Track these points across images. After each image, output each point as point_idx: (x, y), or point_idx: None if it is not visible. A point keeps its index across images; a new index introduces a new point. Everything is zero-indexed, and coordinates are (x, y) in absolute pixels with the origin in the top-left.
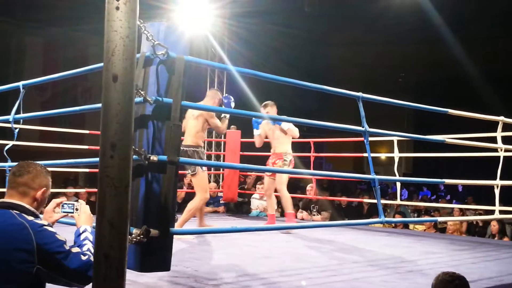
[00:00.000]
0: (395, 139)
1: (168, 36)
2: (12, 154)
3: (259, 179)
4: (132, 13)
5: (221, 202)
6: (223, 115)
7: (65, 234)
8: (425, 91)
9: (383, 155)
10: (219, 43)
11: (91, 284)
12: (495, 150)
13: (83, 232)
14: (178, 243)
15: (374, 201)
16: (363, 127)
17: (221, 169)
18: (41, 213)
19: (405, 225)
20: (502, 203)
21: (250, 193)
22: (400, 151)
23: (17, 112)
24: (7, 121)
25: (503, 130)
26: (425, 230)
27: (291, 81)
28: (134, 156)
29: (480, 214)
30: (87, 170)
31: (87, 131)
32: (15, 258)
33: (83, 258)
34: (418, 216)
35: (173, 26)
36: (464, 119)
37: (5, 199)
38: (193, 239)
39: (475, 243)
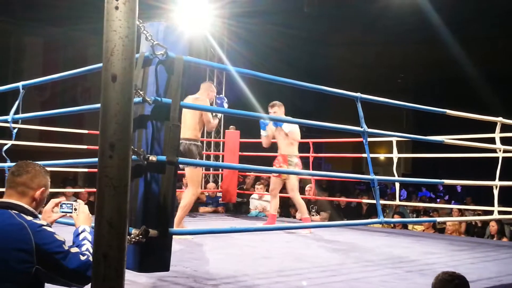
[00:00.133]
0: (394, 139)
1: (167, 36)
2: (11, 154)
3: (258, 179)
4: (131, 13)
5: (220, 202)
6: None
7: (64, 234)
8: (424, 91)
9: (382, 156)
10: (219, 43)
11: (90, 284)
12: (494, 150)
13: (82, 232)
14: (177, 243)
15: (373, 201)
16: (362, 127)
17: (220, 169)
18: (40, 213)
19: (404, 226)
20: (501, 203)
21: (249, 193)
22: (399, 152)
23: (16, 112)
24: (6, 121)
25: (502, 130)
26: (424, 230)
27: (290, 81)
28: (133, 156)
29: (479, 215)
30: (86, 170)
31: (86, 131)
32: (14, 258)
33: (82, 258)
34: (417, 217)
35: (172, 26)
36: (463, 120)
37: (4, 199)
38: (192, 239)
39: (474, 244)
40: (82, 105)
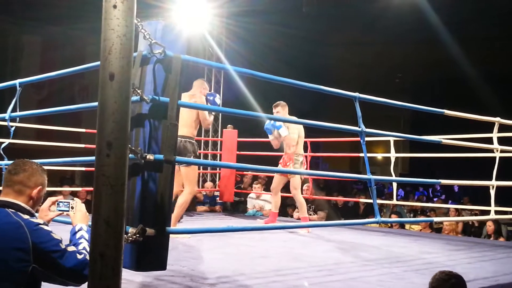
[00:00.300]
0: (391, 139)
1: (165, 35)
2: (8, 153)
3: (255, 178)
4: (129, 11)
5: (217, 201)
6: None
7: (61, 233)
8: (423, 91)
9: (379, 155)
10: (217, 42)
11: (86, 283)
12: (491, 151)
13: (78, 230)
14: (174, 242)
15: (370, 201)
16: (359, 127)
17: (218, 168)
18: (37, 211)
19: (401, 225)
20: (497, 203)
21: (247, 192)
22: (396, 151)
23: (14, 110)
24: (3, 119)
25: (499, 131)
26: (421, 230)
27: (288, 81)
28: (130, 155)
29: (476, 215)
30: (83, 168)
31: (83, 130)
32: (10, 257)
33: (79, 257)
34: (414, 216)
35: (171, 25)
36: (461, 120)
37: (1, 198)
38: (190, 238)
39: (471, 243)
40: (80, 104)
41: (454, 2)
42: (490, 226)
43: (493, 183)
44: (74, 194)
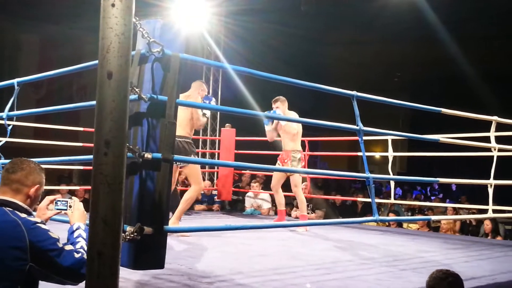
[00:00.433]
0: (389, 138)
1: (163, 33)
2: (6, 151)
3: (253, 177)
4: (127, 10)
5: (215, 200)
6: (203, 111)
7: (59, 232)
8: (421, 90)
9: (377, 154)
10: (215, 41)
11: (84, 282)
12: (489, 149)
13: (76, 229)
14: (172, 241)
15: (368, 199)
16: (357, 126)
17: (216, 167)
18: (35, 210)
19: (399, 224)
20: (495, 202)
21: (245, 191)
22: (394, 150)
23: (11, 109)
24: (0, 118)
25: (497, 129)
26: (418, 229)
27: (286, 79)
28: (128, 154)
29: (473, 213)
30: (81, 167)
31: (81, 129)
32: (7, 255)
33: (76, 255)
34: (412, 215)
35: (169, 23)
36: (459, 119)
37: None
38: (188, 236)
39: (469, 242)
40: (78, 103)
41: (452, 1)
42: (487, 225)
43: (491, 182)
44: (72, 193)
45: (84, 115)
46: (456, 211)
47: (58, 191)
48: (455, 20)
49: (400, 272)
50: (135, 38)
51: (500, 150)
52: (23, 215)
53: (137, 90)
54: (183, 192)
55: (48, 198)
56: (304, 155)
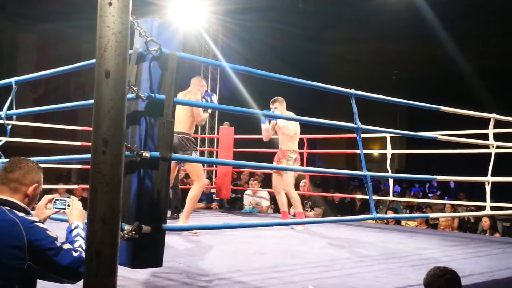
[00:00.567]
0: (387, 135)
1: (161, 32)
2: (4, 151)
3: (252, 175)
4: (125, 9)
5: (214, 198)
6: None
7: (57, 231)
8: (419, 88)
9: (375, 152)
10: (213, 39)
11: (82, 280)
12: (487, 146)
13: (75, 228)
14: (171, 239)
15: (367, 197)
16: (355, 123)
17: (214, 166)
18: (33, 209)
19: (397, 221)
20: (493, 199)
21: (243, 189)
22: (392, 148)
23: (10, 108)
24: None
25: (495, 127)
26: (417, 226)
27: (284, 78)
28: (126, 153)
29: (471, 210)
30: (80, 166)
31: (80, 128)
32: (6, 254)
33: (75, 254)
34: (410, 212)
35: (166, 22)
36: (457, 116)
37: None
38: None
39: (467, 239)
40: (76, 102)
41: None
42: (485, 222)
43: (489, 179)
44: (69, 192)
45: (82, 114)
46: (454, 208)
47: (56, 190)
48: (452, 18)
49: (398, 269)
50: (133, 37)
51: (498, 147)
52: (21, 214)
53: (135, 89)
54: (182, 191)
55: (47, 197)
56: (303, 153)
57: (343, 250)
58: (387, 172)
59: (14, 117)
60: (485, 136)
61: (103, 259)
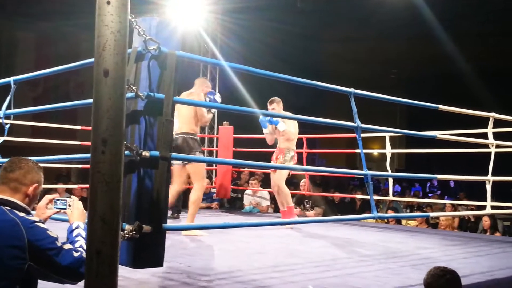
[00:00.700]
0: (387, 135)
1: (160, 31)
2: (3, 150)
3: (252, 175)
4: (123, 7)
5: (214, 198)
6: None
7: (58, 231)
8: (417, 87)
9: (375, 151)
10: (212, 38)
11: (83, 280)
12: (487, 146)
13: (75, 228)
14: (171, 239)
15: (367, 197)
16: (355, 123)
17: (214, 165)
18: (34, 209)
19: (398, 221)
20: (493, 198)
21: (243, 189)
22: (392, 147)
23: (8, 107)
24: None
25: (495, 126)
26: (417, 225)
27: (283, 77)
28: (126, 152)
29: (472, 210)
30: (79, 166)
31: (79, 127)
32: (6, 254)
33: (75, 254)
34: (410, 212)
35: (165, 21)
36: (457, 115)
37: None
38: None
39: (467, 238)
40: (75, 101)
41: None
42: (486, 221)
43: (489, 178)
44: (69, 192)
45: (81, 113)
46: (454, 207)
47: (55, 190)
48: (451, 17)
49: (399, 269)
50: (131, 36)
51: (498, 146)
52: (22, 214)
53: (133, 88)
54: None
55: (48, 197)
56: (302, 152)
57: (343, 249)
58: (387, 171)
59: (12, 116)
60: (484, 135)
61: (103, 259)
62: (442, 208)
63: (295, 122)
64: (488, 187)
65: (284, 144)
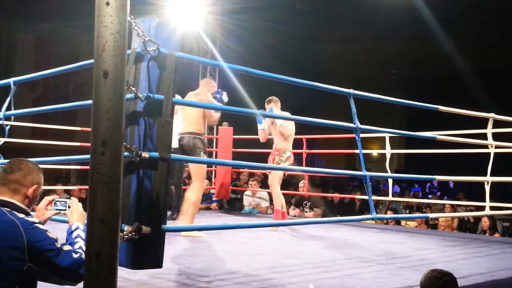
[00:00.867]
0: (386, 135)
1: (159, 32)
2: (3, 151)
3: (251, 175)
4: (122, 8)
5: (213, 199)
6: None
7: (58, 232)
8: (416, 88)
9: (374, 152)
10: (211, 39)
11: (82, 282)
12: (486, 146)
13: (75, 229)
14: (171, 240)
15: (366, 197)
16: (354, 123)
17: (214, 166)
18: (33, 210)
19: (397, 222)
20: (492, 199)
21: (243, 190)
22: (392, 148)
23: (8, 109)
24: None
25: (494, 126)
26: (416, 226)
27: (283, 77)
28: (125, 153)
29: (471, 211)
30: (79, 167)
31: (78, 128)
32: (5, 255)
33: (75, 256)
34: (410, 213)
35: (164, 22)
36: (456, 116)
37: None
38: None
39: (466, 239)
40: (75, 102)
41: None
42: (485, 222)
43: (488, 179)
44: (67, 192)
45: (81, 114)
46: (453, 208)
47: (54, 191)
48: (449, 18)
49: (398, 270)
50: (131, 37)
51: (497, 147)
52: (21, 215)
53: (133, 89)
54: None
55: (47, 199)
56: (302, 153)
57: (342, 250)
58: (386, 172)
59: (13, 117)
60: (483, 136)
61: (103, 260)
62: (442, 208)
63: (292, 122)
64: (487, 188)
65: (280, 145)
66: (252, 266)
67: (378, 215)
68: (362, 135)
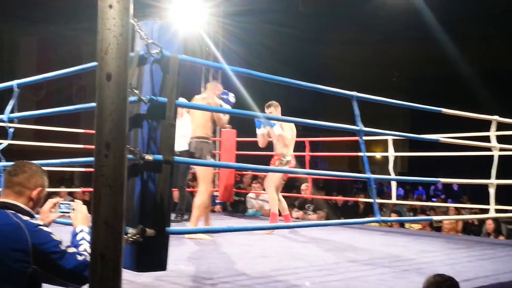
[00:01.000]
0: (390, 138)
1: (162, 35)
2: (7, 154)
3: (255, 178)
4: (125, 11)
5: (217, 201)
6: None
7: (62, 234)
8: (420, 90)
9: (378, 154)
10: (214, 42)
11: (87, 284)
12: (490, 149)
13: (79, 232)
14: (175, 243)
15: (370, 200)
16: (357, 126)
17: (217, 169)
18: (38, 213)
19: (401, 224)
20: (497, 202)
21: (246, 192)
22: (395, 150)
23: (12, 111)
24: (1, 121)
25: (497, 129)
26: (421, 229)
27: (286, 80)
28: (129, 156)
29: (475, 213)
30: (82, 169)
31: (82, 130)
32: (10, 258)
33: (79, 258)
34: (414, 215)
35: (167, 25)
36: (459, 119)
37: (0, 199)
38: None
39: (471, 242)
40: (78, 104)
41: (450, 0)
42: (490, 225)
43: (492, 181)
44: (70, 195)
45: (84, 117)
46: (458, 211)
47: (57, 194)
48: (453, 20)
49: (402, 273)
50: (134, 39)
51: (501, 149)
52: (26, 218)
53: (136, 91)
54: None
55: (51, 201)
56: (305, 156)
57: (346, 253)
58: (390, 174)
59: (16, 120)
60: (487, 139)
61: (107, 262)
62: (446, 211)
63: (293, 126)
64: (492, 190)
65: (280, 150)
66: (257, 269)
67: (383, 218)
68: (365, 138)
